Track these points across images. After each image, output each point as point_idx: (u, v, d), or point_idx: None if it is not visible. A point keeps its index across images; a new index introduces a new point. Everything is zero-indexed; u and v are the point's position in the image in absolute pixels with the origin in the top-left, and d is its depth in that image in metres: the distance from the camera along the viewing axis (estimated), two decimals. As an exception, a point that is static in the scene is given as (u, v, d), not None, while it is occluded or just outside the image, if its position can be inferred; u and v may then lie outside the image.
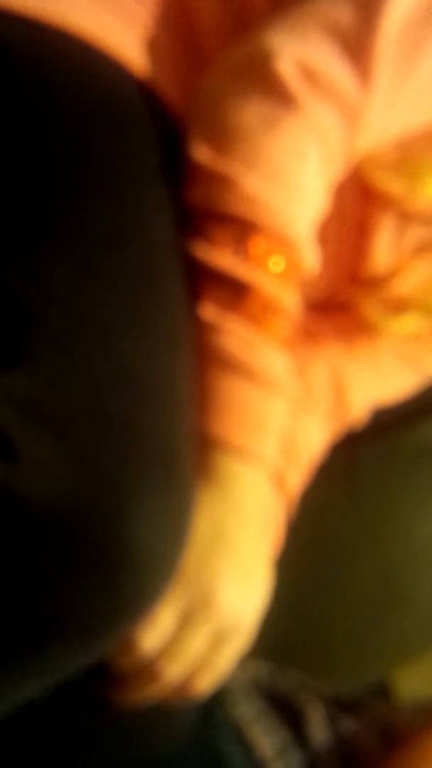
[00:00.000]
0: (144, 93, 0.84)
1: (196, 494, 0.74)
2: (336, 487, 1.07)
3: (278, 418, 0.81)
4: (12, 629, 0.66)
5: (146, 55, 0.85)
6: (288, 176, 0.80)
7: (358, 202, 0.89)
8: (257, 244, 0.80)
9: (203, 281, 0.80)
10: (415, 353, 1.02)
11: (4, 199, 0.75)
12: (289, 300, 0.81)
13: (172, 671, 0.76)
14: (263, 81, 0.81)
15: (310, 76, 0.81)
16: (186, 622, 0.75)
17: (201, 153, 0.81)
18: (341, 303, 0.99)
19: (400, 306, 0.96)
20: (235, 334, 0.79)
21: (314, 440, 0.96)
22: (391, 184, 0.87)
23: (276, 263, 0.80)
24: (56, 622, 0.67)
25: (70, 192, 0.76)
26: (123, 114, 0.81)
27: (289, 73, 0.80)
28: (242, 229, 0.80)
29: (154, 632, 0.74)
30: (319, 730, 1.09)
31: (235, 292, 0.80)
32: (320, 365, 0.98)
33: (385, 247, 0.91)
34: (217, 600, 0.75)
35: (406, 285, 0.94)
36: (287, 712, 1.09)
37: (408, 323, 0.97)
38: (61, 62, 0.80)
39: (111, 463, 0.68)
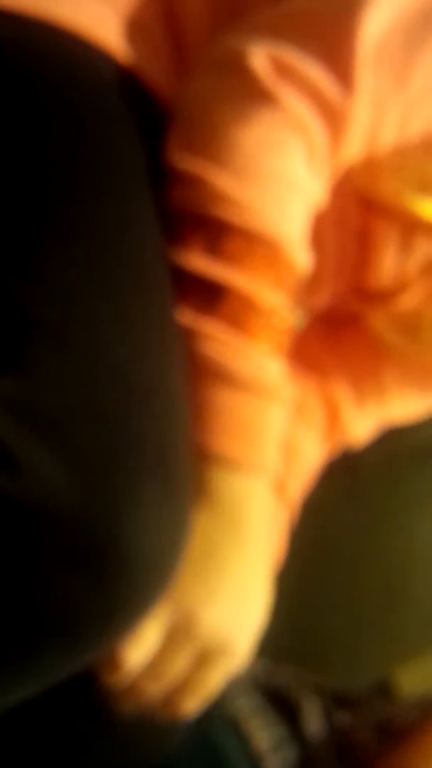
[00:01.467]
0: (130, 84, 0.83)
1: (193, 497, 0.73)
2: (337, 486, 1.06)
3: (273, 423, 0.78)
4: (6, 630, 0.66)
5: (133, 44, 0.84)
6: (262, 169, 0.78)
7: (358, 211, 0.87)
8: (231, 243, 0.77)
9: (181, 286, 0.78)
10: (422, 372, 0.99)
11: None
12: (272, 299, 0.78)
13: (154, 689, 0.75)
14: (236, 78, 0.79)
15: (283, 70, 0.78)
16: (169, 641, 0.74)
17: (175, 155, 0.80)
18: (347, 316, 0.96)
19: (409, 324, 0.93)
20: (212, 338, 0.77)
21: (311, 454, 0.94)
22: (389, 194, 0.85)
23: (254, 261, 0.78)
24: (51, 624, 0.67)
25: (62, 191, 0.76)
26: (111, 108, 0.81)
27: (262, 68, 0.78)
28: (215, 229, 0.78)
29: (138, 648, 0.73)
30: (315, 725, 1.09)
31: (211, 294, 0.77)
32: (313, 386, 0.96)
33: (390, 259, 0.89)
34: (200, 620, 0.73)
35: (413, 301, 0.91)
36: (284, 707, 1.10)
37: (420, 342, 0.94)
38: (48, 57, 0.80)
39: (107, 466, 0.68)
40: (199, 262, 0.78)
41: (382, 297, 0.92)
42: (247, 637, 0.77)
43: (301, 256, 0.80)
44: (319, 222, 0.82)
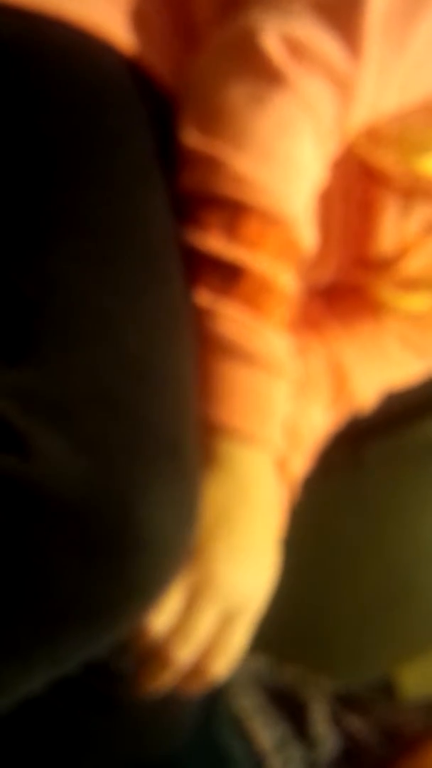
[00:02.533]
0: (136, 75, 0.83)
1: (203, 480, 0.74)
2: (341, 483, 1.07)
3: (280, 400, 0.80)
4: (24, 617, 0.66)
5: (137, 35, 0.84)
6: (278, 153, 0.79)
7: (362, 182, 0.88)
8: (248, 225, 0.78)
9: (197, 267, 0.78)
10: (420, 339, 1.02)
11: (2, 191, 0.75)
12: (285, 280, 0.80)
13: (184, 653, 0.76)
14: (249, 59, 0.80)
15: (296, 49, 0.79)
16: (193, 602, 0.75)
17: (190, 137, 0.80)
18: (349, 287, 0.98)
19: (410, 286, 0.95)
20: (230, 319, 0.78)
21: (317, 424, 0.96)
22: (391, 161, 0.86)
23: (269, 243, 0.79)
24: (67, 609, 0.66)
25: (69, 181, 0.76)
26: (118, 100, 0.81)
27: (274, 48, 0.79)
28: (232, 211, 0.78)
29: (163, 613, 0.74)
30: (321, 726, 1.09)
31: (229, 276, 0.78)
32: (320, 352, 0.98)
33: (390, 227, 0.90)
34: (221, 580, 0.75)
35: (414, 265, 0.93)
36: (288, 707, 1.10)
37: (419, 302, 0.96)
38: (54, 50, 0.80)
39: (120, 452, 0.68)
40: (216, 243, 0.78)
41: (385, 264, 0.93)
42: (262, 596, 0.78)
43: (307, 235, 0.81)
44: (326, 197, 0.84)
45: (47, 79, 0.79)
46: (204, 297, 0.78)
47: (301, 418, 0.94)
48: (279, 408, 0.80)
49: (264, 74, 0.79)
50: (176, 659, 0.76)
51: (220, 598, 0.75)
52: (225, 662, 0.78)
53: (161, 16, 0.87)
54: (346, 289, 0.99)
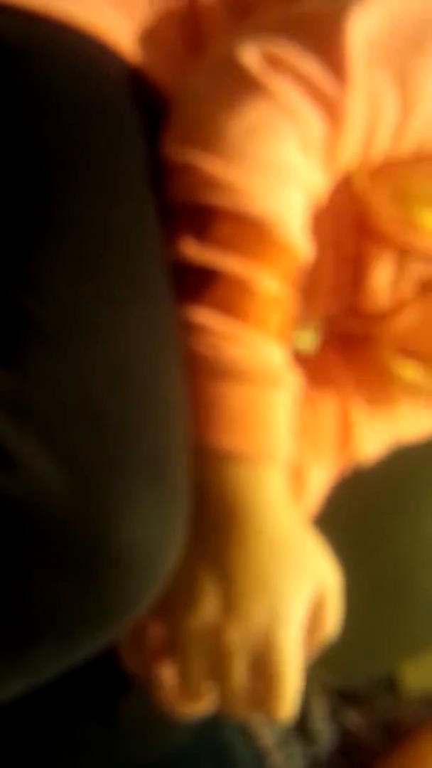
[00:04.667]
0: (141, 83, 0.82)
1: (189, 496, 0.72)
2: (344, 481, 1.07)
3: (276, 409, 0.76)
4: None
5: (144, 43, 0.84)
6: (252, 154, 0.77)
7: (354, 234, 0.86)
8: (220, 227, 0.76)
9: (176, 277, 0.76)
10: None
11: None
12: (269, 283, 0.76)
13: (235, 705, 0.76)
14: (227, 72, 0.79)
15: (276, 63, 0.78)
16: (213, 660, 0.75)
17: (170, 150, 0.79)
18: (355, 338, 0.95)
19: (416, 351, 0.91)
20: (204, 330, 0.75)
21: (321, 477, 0.93)
22: (386, 212, 0.84)
23: (243, 244, 0.76)
24: (40, 624, 0.67)
25: (60, 188, 0.75)
26: (117, 107, 0.80)
27: (252, 61, 0.78)
28: (204, 214, 0.76)
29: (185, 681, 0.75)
30: (321, 722, 1.10)
31: (202, 281, 0.76)
32: (330, 402, 0.94)
33: (383, 283, 0.87)
34: (227, 631, 0.74)
35: (406, 324, 0.90)
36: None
37: (419, 373, 0.92)
38: (57, 55, 0.79)
39: (100, 465, 0.67)
40: (189, 249, 0.76)
41: (377, 318, 0.90)
42: (293, 625, 0.76)
43: (298, 239, 0.78)
44: (316, 243, 0.81)
45: (49, 83, 0.79)
46: (182, 308, 0.76)
47: (311, 473, 0.92)
48: (276, 418, 0.77)
49: (242, 84, 0.78)
50: (235, 704, 0.76)
51: (234, 646, 0.74)
52: (283, 700, 0.76)
53: (168, 25, 0.87)
54: (354, 336, 0.96)
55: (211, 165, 0.76)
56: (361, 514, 1.14)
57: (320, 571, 0.78)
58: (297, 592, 0.76)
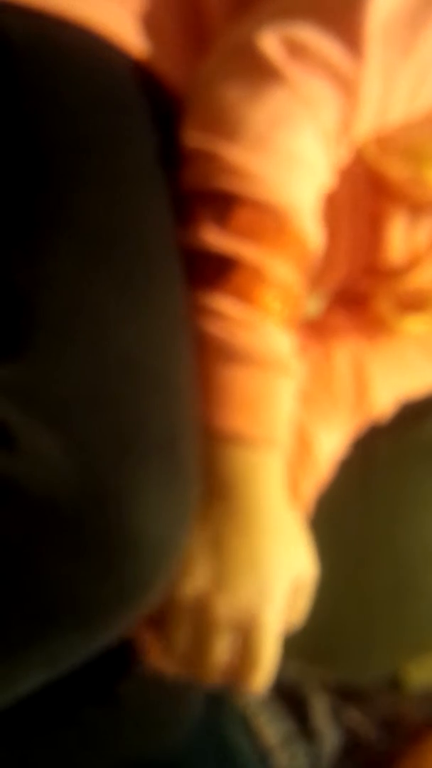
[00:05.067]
0: (146, 78, 0.83)
1: (199, 480, 0.73)
2: (349, 480, 1.06)
3: (281, 397, 0.78)
4: (13, 619, 0.67)
5: (148, 38, 0.85)
6: (272, 143, 0.78)
7: (370, 193, 0.88)
8: (240, 215, 0.77)
9: (192, 263, 0.77)
10: None
11: (2, 188, 0.76)
12: (283, 272, 0.78)
13: (211, 676, 0.77)
14: (246, 60, 0.80)
15: (294, 49, 0.79)
16: (197, 628, 0.75)
17: (189, 137, 0.80)
18: (362, 297, 0.97)
19: (416, 303, 0.94)
20: (219, 315, 0.76)
21: (333, 445, 0.94)
22: (399, 172, 0.85)
23: (263, 233, 0.77)
24: (57, 611, 0.67)
25: (68, 180, 0.76)
26: (124, 101, 0.81)
27: (271, 48, 0.79)
28: (225, 202, 0.77)
29: (176, 642, 0.75)
30: (323, 721, 1.10)
31: (221, 268, 0.77)
32: (343, 358, 0.96)
33: (399, 239, 0.90)
34: (214, 601, 0.75)
35: (423, 278, 0.92)
36: (293, 702, 1.10)
37: (420, 323, 0.95)
38: (62, 51, 0.80)
39: (110, 450, 0.68)
40: (208, 236, 0.77)
41: (394, 274, 0.92)
42: (276, 605, 0.77)
43: (311, 229, 0.80)
44: (334, 205, 0.83)
45: (54, 79, 0.79)
46: (197, 293, 0.77)
47: (315, 441, 0.92)
48: (280, 405, 0.78)
49: (261, 72, 0.79)
50: (206, 681, 0.77)
51: (222, 619, 0.75)
52: (261, 676, 0.78)
53: (172, 20, 0.88)
54: (359, 299, 0.97)
55: (232, 153, 0.78)
56: (366, 512, 1.14)
57: (302, 560, 0.79)
58: (284, 575, 0.77)
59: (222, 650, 0.76)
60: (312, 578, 0.80)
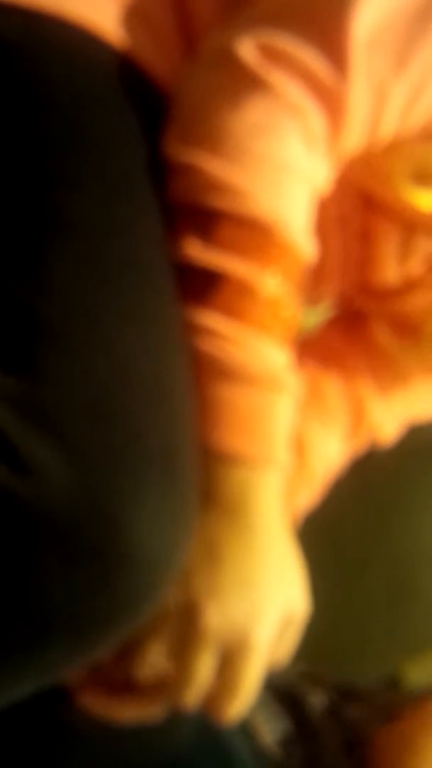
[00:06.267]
0: (132, 74, 0.82)
1: (198, 494, 0.73)
2: (345, 482, 1.06)
3: (277, 414, 0.77)
4: (9, 629, 0.67)
5: (137, 34, 0.83)
6: (255, 153, 0.77)
7: (360, 209, 0.86)
8: (224, 229, 0.76)
9: (179, 279, 0.76)
10: None
11: None
12: (273, 286, 0.76)
13: (189, 695, 0.75)
14: (225, 67, 0.78)
15: (274, 56, 0.77)
16: (182, 644, 0.74)
17: (170, 148, 0.79)
18: (361, 318, 0.95)
19: (409, 327, 0.92)
20: (208, 331, 0.75)
21: (332, 456, 0.94)
22: (389, 192, 0.84)
23: (248, 246, 0.76)
24: (52, 622, 0.67)
25: (64, 187, 0.76)
26: (113, 100, 0.80)
27: (249, 55, 0.77)
28: (208, 216, 0.76)
29: (153, 655, 0.74)
30: (321, 720, 1.10)
31: (206, 284, 0.76)
32: (337, 382, 0.95)
33: (391, 259, 0.88)
34: (206, 618, 0.73)
35: (416, 303, 0.90)
36: (290, 701, 1.10)
37: (416, 352, 0.93)
38: (47, 47, 0.79)
39: (109, 463, 0.68)
40: (192, 251, 0.76)
41: (388, 296, 0.91)
42: (267, 631, 0.76)
43: (302, 240, 0.78)
44: (322, 220, 0.81)
45: (43, 78, 0.79)
46: (188, 309, 0.76)
47: (314, 450, 0.92)
48: (276, 422, 0.77)
49: (242, 81, 0.77)
50: (183, 700, 0.76)
51: (210, 639, 0.74)
52: (237, 702, 0.77)
53: (162, 17, 0.87)
54: (361, 315, 0.96)
55: (213, 166, 0.76)
56: (363, 515, 1.15)
57: (295, 591, 0.78)
58: (277, 601, 0.76)
59: (206, 666, 0.75)
60: (304, 615, 0.78)
